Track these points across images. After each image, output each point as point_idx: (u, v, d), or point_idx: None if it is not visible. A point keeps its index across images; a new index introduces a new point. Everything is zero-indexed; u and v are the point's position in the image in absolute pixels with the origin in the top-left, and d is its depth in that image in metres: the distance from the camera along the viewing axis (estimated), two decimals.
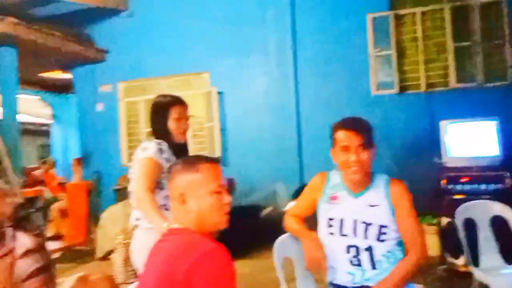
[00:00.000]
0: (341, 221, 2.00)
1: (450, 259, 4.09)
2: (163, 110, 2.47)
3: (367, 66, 5.93)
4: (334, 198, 2.05)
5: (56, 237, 6.58)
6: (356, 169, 1.95)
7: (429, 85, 5.66)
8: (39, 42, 6.25)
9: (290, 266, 2.22)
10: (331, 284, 2.04)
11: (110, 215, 5.72)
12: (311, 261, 2.00)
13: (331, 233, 2.02)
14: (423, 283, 3.78)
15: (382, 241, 1.95)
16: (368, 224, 1.96)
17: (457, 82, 5.51)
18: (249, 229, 5.17)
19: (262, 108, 6.45)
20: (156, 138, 2.42)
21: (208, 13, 6.77)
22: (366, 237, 1.96)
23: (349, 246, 1.98)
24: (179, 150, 2.43)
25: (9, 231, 0.79)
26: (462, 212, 2.94)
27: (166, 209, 2.17)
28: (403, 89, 5.79)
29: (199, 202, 1.42)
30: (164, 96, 2.69)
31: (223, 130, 6.72)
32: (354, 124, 2.00)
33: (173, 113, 2.44)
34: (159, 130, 2.45)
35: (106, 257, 5.44)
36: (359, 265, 1.96)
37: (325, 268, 2.01)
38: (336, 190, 2.07)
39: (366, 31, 5.91)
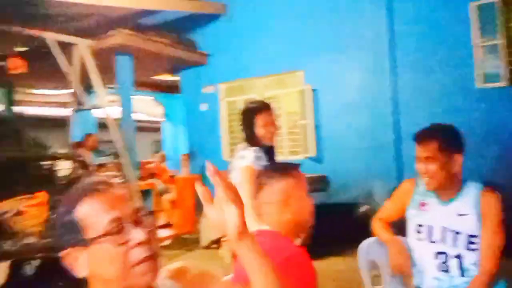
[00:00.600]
0: (430, 228, 2.01)
1: None
2: (250, 117, 2.63)
3: (470, 57, 5.54)
4: (423, 205, 2.05)
5: (166, 226, 7.25)
6: (427, 180, 1.96)
7: None
8: (150, 49, 6.92)
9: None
10: None
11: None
12: (395, 266, 2.04)
13: (420, 239, 2.04)
14: None
15: (472, 250, 1.93)
16: (457, 233, 1.95)
17: None
18: (343, 227, 5.20)
19: (357, 105, 6.38)
20: (248, 143, 2.63)
21: (302, 11, 6.86)
22: (455, 245, 1.95)
23: (438, 253, 1.98)
24: (267, 153, 2.61)
25: (128, 226, 0.92)
26: None
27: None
28: None
29: (299, 204, 1.52)
30: (251, 102, 2.87)
31: (317, 128, 6.79)
32: (421, 136, 2.00)
33: (259, 120, 2.60)
34: (249, 135, 2.64)
35: (209, 246, 5.90)
36: (447, 271, 1.96)
37: (409, 274, 2.03)
38: (425, 197, 2.06)
39: (469, 20, 5.52)
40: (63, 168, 4.65)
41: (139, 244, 0.92)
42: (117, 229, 0.92)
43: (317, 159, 6.71)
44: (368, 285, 2.16)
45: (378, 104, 6.20)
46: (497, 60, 5.37)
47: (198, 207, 7.33)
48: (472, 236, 1.92)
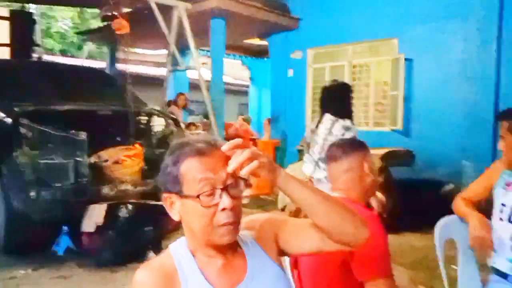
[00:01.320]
0: (506, 203, 1.94)
1: None
2: (348, 92, 3.16)
3: None
4: (509, 184, 1.97)
5: (246, 186, 7.52)
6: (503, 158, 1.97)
7: None
8: (243, 13, 7.01)
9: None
10: (493, 268, 2.00)
11: (292, 172, 6.21)
12: (476, 239, 1.99)
13: (501, 219, 1.97)
14: None
15: None
16: None
17: None
18: (425, 204, 5.02)
19: (455, 78, 5.96)
20: (341, 116, 3.06)
21: None
22: None
23: None
24: None
25: (219, 190, 1.01)
26: None
27: None
28: None
29: (373, 178, 1.71)
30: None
31: (408, 99, 6.48)
32: (500, 114, 2.02)
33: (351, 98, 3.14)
34: (344, 109, 3.11)
35: (285, 208, 6.06)
36: None
37: (489, 248, 1.97)
38: (506, 175, 1.99)
39: None
40: (158, 124, 5.01)
41: (224, 209, 1.01)
42: (209, 192, 1.01)
43: (405, 132, 6.44)
44: (442, 262, 2.11)
45: (479, 78, 5.74)
46: None
47: None
48: None
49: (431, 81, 6.22)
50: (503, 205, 1.96)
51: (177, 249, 1.11)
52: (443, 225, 2.16)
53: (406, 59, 6.41)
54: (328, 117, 3.07)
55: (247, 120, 10.25)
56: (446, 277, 2.05)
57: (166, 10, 6.08)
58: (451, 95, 5.98)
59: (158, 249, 4.14)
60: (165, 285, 1.04)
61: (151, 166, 4.17)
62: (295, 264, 1.70)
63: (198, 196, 1.01)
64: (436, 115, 6.11)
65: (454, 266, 2.11)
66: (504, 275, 1.92)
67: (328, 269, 1.52)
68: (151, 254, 4.01)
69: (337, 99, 3.13)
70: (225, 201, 1.01)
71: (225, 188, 1.02)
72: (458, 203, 2.16)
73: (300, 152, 6.84)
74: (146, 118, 4.82)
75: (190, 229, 1.06)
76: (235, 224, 1.04)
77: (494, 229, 1.99)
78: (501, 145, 1.98)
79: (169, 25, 6.16)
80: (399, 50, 6.57)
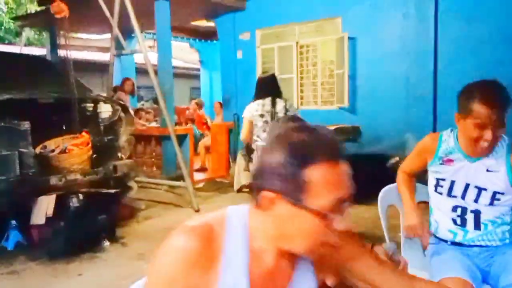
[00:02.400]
0: (452, 183, 1.97)
1: None
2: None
3: None
4: (448, 161, 1.97)
5: (202, 170, 7.54)
6: (487, 146, 1.80)
7: None
8: None
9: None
10: (434, 236, 2.08)
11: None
12: (408, 229, 2.08)
13: (440, 193, 2.02)
14: None
15: (493, 205, 1.91)
16: (481, 189, 1.91)
17: None
18: (373, 177, 5.25)
19: (396, 54, 6.21)
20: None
21: None
22: (476, 201, 1.92)
23: (456, 206, 1.97)
24: None
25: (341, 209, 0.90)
26: None
27: None
28: None
29: None
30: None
31: (352, 77, 6.69)
32: (498, 99, 1.75)
33: None
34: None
35: (241, 189, 6.14)
36: (462, 225, 1.96)
37: (422, 235, 2.07)
38: (450, 154, 1.97)
39: None
40: (105, 110, 4.89)
41: (341, 232, 0.88)
42: (335, 209, 0.86)
43: (351, 110, 6.67)
44: (386, 228, 2.21)
45: (418, 54, 6.01)
46: None
47: (230, 153, 7.57)
48: (498, 192, 1.88)
49: (374, 58, 6.44)
50: (441, 179, 2.01)
51: (235, 221, 0.94)
52: (384, 193, 2.27)
53: (349, 38, 6.58)
54: (278, 100, 3.73)
55: (199, 104, 10.18)
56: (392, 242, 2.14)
57: None
58: (393, 71, 6.23)
59: (112, 237, 4.12)
60: (205, 261, 0.87)
61: (100, 154, 4.10)
62: None
63: (324, 214, 0.85)
64: (380, 91, 6.35)
65: (399, 233, 2.23)
66: (445, 241, 2.03)
67: None
68: (106, 243, 3.98)
69: (277, 85, 3.87)
70: (342, 223, 0.87)
71: (344, 208, 0.88)
72: (400, 179, 2.21)
73: None
74: (92, 105, 4.69)
75: (285, 236, 0.90)
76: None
77: (431, 200, 2.07)
78: (488, 132, 1.78)
79: (112, 8, 5.96)
80: (342, 29, 6.73)
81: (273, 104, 3.69)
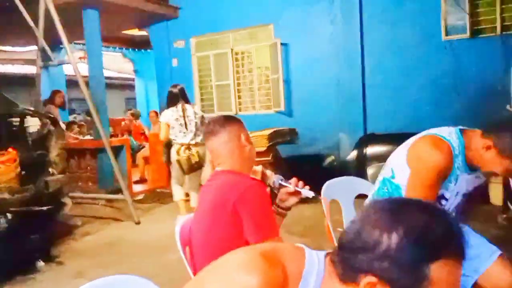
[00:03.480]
0: (449, 199, 1.80)
1: None
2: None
3: (438, 9, 5.64)
4: (457, 180, 1.74)
5: (141, 181, 7.36)
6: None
7: (505, 28, 5.28)
8: (117, 3, 6.73)
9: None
10: None
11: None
12: None
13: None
14: (483, 231, 3.87)
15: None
16: (465, 195, 1.83)
17: None
18: (311, 177, 5.42)
19: (326, 58, 6.46)
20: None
21: None
22: (456, 207, 1.84)
23: None
24: None
25: None
26: None
27: None
28: (475, 32, 5.47)
29: (251, 144, 1.80)
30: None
31: (287, 82, 6.87)
32: None
33: None
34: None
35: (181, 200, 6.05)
36: None
37: None
38: (459, 171, 1.71)
39: None
40: (33, 124, 4.64)
41: None
42: None
43: (287, 113, 6.84)
44: (329, 220, 2.25)
45: (347, 57, 6.29)
46: (462, 12, 5.48)
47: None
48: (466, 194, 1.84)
49: (306, 63, 6.67)
50: (446, 199, 1.80)
51: (314, 273, 0.82)
52: (327, 187, 2.32)
53: (282, 44, 6.76)
54: (187, 106, 4.59)
55: (135, 114, 9.95)
56: (334, 235, 2.20)
57: (30, 1, 5.59)
58: (324, 74, 6.47)
59: (47, 257, 3.91)
60: None
61: (29, 170, 3.89)
62: (187, 241, 1.76)
63: None
64: (313, 94, 6.57)
65: (339, 229, 2.29)
66: None
67: (221, 239, 1.60)
68: (40, 263, 3.77)
69: (185, 95, 4.67)
70: None
71: None
72: None
73: None
74: (18, 119, 4.44)
75: None
76: None
77: None
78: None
79: (36, 18, 5.69)
80: (275, 35, 6.90)
81: (184, 109, 4.52)
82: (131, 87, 13.64)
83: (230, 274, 0.77)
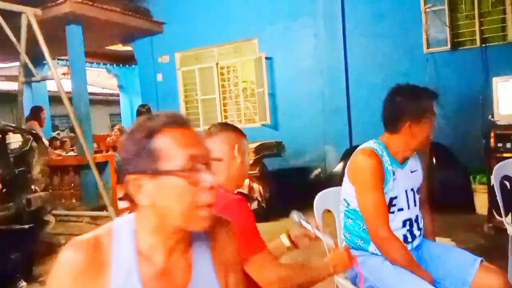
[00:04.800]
0: (398, 196, 1.87)
1: (498, 217, 4.08)
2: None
3: (419, 23, 5.75)
4: (393, 175, 1.85)
5: (125, 198, 7.23)
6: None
7: (484, 40, 5.41)
8: (101, 18, 6.72)
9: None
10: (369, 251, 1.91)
11: None
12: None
13: (392, 212, 1.85)
14: (469, 241, 3.90)
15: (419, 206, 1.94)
16: (413, 191, 1.92)
17: None
18: (298, 190, 5.41)
19: (310, 71, 6.52)
20: None
21: None
22: (415, 205, 1.91)
23: (405, 221, 1.87)
24: None
25: (201, 167, 0.92)
26: (498, 170, 2.94)
27: None
28: (456, 45, 5.59)
29: (245, 159, 1.65)
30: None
31: (272, 95, 6.90)
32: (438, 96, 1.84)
33: None
34: None
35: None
36: (412, 239, 1.88)
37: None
38: (392, 166, 1.86)
39: None
40: (14, 141, 4.54)
41: (209, 188, 0.92)
42: (193, 167, 0.90)
43: (273, 126, 6.85)
44: (323, 232, 2.20)
45: (331, 70, 6.36)
46: (443, 26, 5.59)
47: None
48: (419, 190, 1.93)
49: (291, 76, 6.71)
50: (393, 198, 1.86)
51: (121, 232, 0.94)
52: (320, 198, 2.28)
53: (267, 58, 6.81)
54: None
55: (122, 130, 9.84)
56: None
57: (12, 16, 5.54)
58: (309, 87, 6.53)
59: (29, 277, 3.79)
60: (94, 276, 0.88)
61: (10, 187, 3.79)
62: None
63: (182, 170, 0.88)
64: (298, 107, 6.62)
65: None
66: None
67: None
68: (22, 283, 3.66)
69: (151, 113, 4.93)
70: (209, 178, 0.91)
71: (208, 166, 0.93)
72: (399, 246, 1.80)
73: None
74: (0, 135, 4.34)
75: (162, 212, 0.91)
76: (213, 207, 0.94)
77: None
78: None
79: (18, 34, 5.63)
80: (259, 49, 6.95)
81: None
82: (116, 103, 13.54)
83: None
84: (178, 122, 0.93)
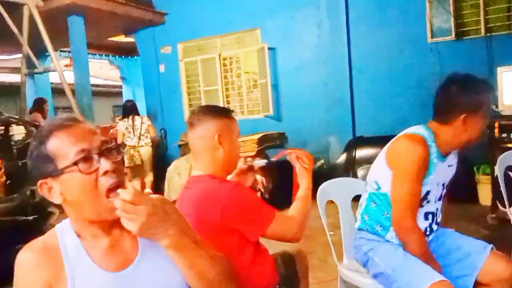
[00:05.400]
0: (431, 189, 1.81)
1: (501, 208, 4.07)
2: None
3: (423, 12, 5.69)
4: (436, 168, 1.78)
5: (143, 187, 7.24)
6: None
7: (489, 30, 5.35)
8: (103, 9, 6.68)
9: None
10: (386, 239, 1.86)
11: (175, 168, 6.21)
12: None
13: (422, 206, 1.81)
14: (473, 231, 3.89)
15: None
16: (443, 185, 1.88)
17: None
18: None
19: (313, 62, 6.48)
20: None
21: None
22: (439, 198, 1.89)
23: (427, 214, 1.84)
24: None
25: (95, 157, 1.00)
26: (503, 160, 2.92)
27: None
28: (460, 34, 5.53)
29: (230, 144, 1.60)
30: None
31: (275, 86, 6.86)
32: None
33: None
34: None
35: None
36: (430, 233, 1.88)
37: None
38: (436, 159, 1.78)
39: None
40: (18, 133, 4.56)
41: (106, 172, 1.00)
42: (86, 159, 0.99)
43: (276, 117, 6.83)
44: (325, 222, 2.19)
45: (334, 61, 6.31)
46: (447, 15, 5.53)
47: (158, 168, 7.39)
48: (447, 185, 1.90)
49: (294, 66, 6.66)
50: (429, 191, 1.81)
51: (62, 229, 1.07)
52: (323, 189, 2.29)
53: (269, 48, 6.75)
54: (136, 117, 6.26)
55: None
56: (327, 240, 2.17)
57: (14, 8, 5.53)
58: (312, 78, 6.48)
59: None
60: (48, 266, 0.99)
61: (15, 179, 3.81)
62: None
63: (75, 164, 0.98)
64: (301, 97, 6.57)
65: (330, 232, 2.27)
66: None
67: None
68: None
69: (136, 108, 6.36)
70: (105, 164, 1.00)
71: (101, 153, 1.01)
72: (418, 237, 1.75)
73: (181, 147, 6.83)
74: (3, 127, 4.35)
75: (76, 207, 1.03)
76: (122, 187, 1.00)
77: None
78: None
79: (21, 25, 5.62)
80: (262, 39, 6.90)
81: (133, 120, 6.21)
82: (119, 94, 13.53)
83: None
84: (65, 124, 1.03)
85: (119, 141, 5.83)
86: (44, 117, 6.66)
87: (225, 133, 1.60)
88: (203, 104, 7.65)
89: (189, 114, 1.70)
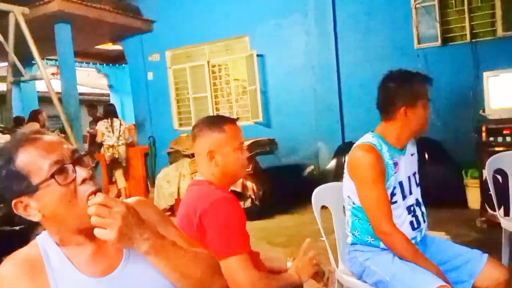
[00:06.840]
0: (400, 184, 1.84)
1: (490, 211, 4.10)
2: None
3: (409, 19, 5.77)
4: (395, 166, 1.82)
5: (118, 197, 7.19)
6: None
7: (474, 35, 5.43)
8: (90, 16, 6.64)
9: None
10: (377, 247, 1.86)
11: (165, 176, 6.17)
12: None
13: (395, 202, 1.82)
14: (463, 235, 3.92)
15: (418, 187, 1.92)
16: (414, 175, 1.91)
17: (505, 31, 5.24)
18: (292, 187, 5.41)
19: (302, 68, 6.50)
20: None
21: None
22: (416, 187, 1.91)
23: (409, 207, 1.86)
24: None
25: (69, 167, 0.97)
26: (491, 163, 2.95)
27: None
28: (446, 40, 5.61)
29: (224, 158, 1.61)
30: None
31: (264, 92, 6.87)
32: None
33: None
34: None
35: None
36: (418, 226, 1.86)
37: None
38: (392, 158, 1.82)
39: None
40: (4, 141, 4.48)
41: (85, 180, 0.98)
42: (60, 170, 0.96)
43: (266, 124, 6.83)
44: (321, 227, 2.16)
45: (322, 67, 6.34)
46: (433, 21, 5.61)
47: (148, 176, 7.35)
48: (417, 173, 1.94)
49: (283, 73, 6.68)
50: (394, 188, 1.83)
51: (43, 240, 1.04)
52: (317, 193, 2.26)
53: (258, 55, 6.76)
54: (115, 119, 6.76)
55: None
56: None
57: (1, 16, 5.48)
58: (300, 85, 6.50)
59: None
60: (31, 277, 0.97)
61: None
62: None
63: (52, 177, 0.94)
64: (290, 104, 6.59)
65: (322, 238, 2.25)
66: None
67: None
68: None
69: (115, 110, 7.01)
70: (82, 172, 0.98)
71: (75, 162, 0.99)
72: (403, 240, 1.74)
73: (170, 155, 6.80)
74: None
75: (56, 221, 0.99)
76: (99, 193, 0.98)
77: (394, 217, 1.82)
78: None
79: (6, 33, 5.56)
80: (251, 46, 6.91)
81: (112, 121, 6.70)
82: (106, 103, 13.42)
83: None
84: (30, 138, 0.98)
85: (98, 140, 6.69)
86: (41, 127, 6.59)
87: (219, 147, 1.61)
88: (192, 112, 7.64)
89: (195, 125, 1.72)
